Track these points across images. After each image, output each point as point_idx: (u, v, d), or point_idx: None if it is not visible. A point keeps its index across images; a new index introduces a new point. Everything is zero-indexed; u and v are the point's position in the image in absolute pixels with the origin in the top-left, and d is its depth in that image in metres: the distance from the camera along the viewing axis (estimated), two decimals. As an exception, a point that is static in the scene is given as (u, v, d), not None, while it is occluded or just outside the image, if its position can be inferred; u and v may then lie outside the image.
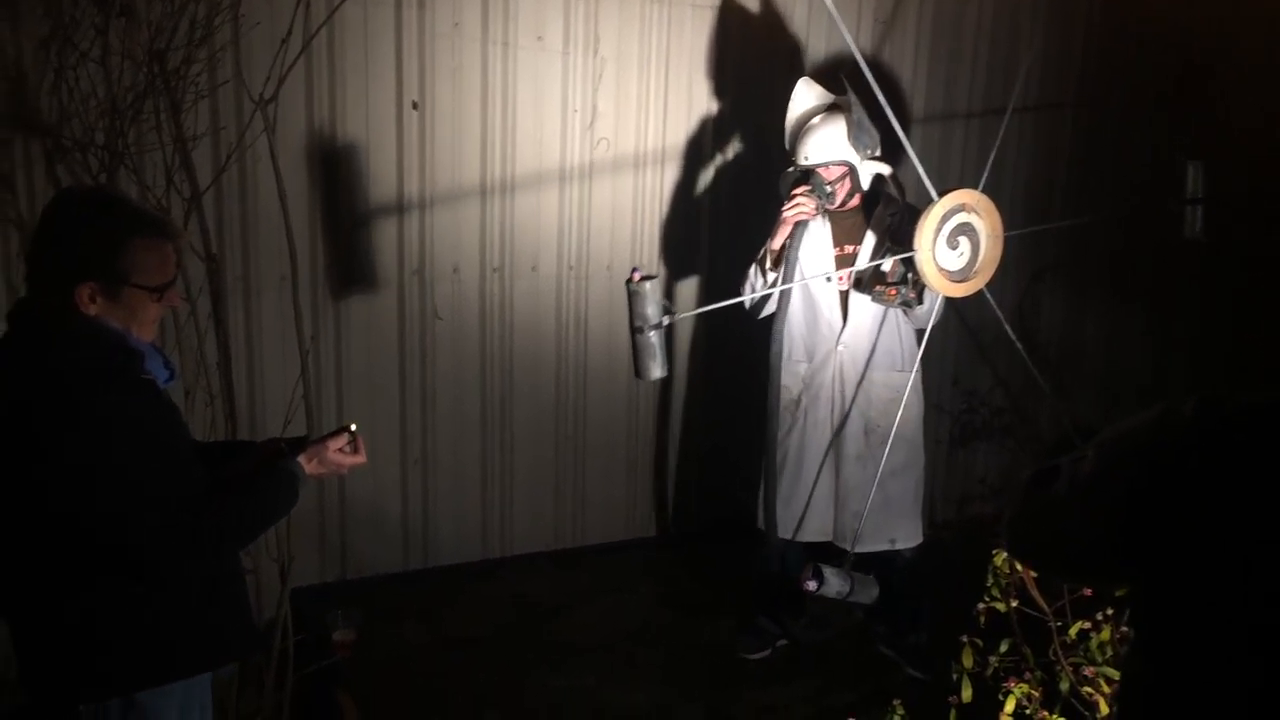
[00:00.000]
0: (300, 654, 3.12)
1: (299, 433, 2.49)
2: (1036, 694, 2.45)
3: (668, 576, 4.32)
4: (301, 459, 2.17)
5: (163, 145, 3.06)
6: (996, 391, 4.96)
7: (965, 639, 2.58)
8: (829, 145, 3.34)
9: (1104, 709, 2.41)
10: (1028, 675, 2.51)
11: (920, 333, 3.44)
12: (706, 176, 4.36)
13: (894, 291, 3.21)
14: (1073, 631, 2.49)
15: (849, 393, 3.47)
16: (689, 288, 4.44)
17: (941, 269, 2.93)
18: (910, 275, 3.19)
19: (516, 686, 3.54)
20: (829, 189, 3.35)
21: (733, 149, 4.37)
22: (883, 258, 3.28)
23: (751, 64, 4.30)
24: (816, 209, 3.35)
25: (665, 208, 4.29)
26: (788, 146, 3.47)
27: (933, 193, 2.91)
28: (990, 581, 2.56)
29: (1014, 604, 2.52)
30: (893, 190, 3.46)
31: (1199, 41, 4.97)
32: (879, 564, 3.62)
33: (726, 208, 4.36)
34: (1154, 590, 1.33)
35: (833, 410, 3.50)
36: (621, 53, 4.09)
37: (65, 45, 3.11)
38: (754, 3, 4.26)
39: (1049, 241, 4.90)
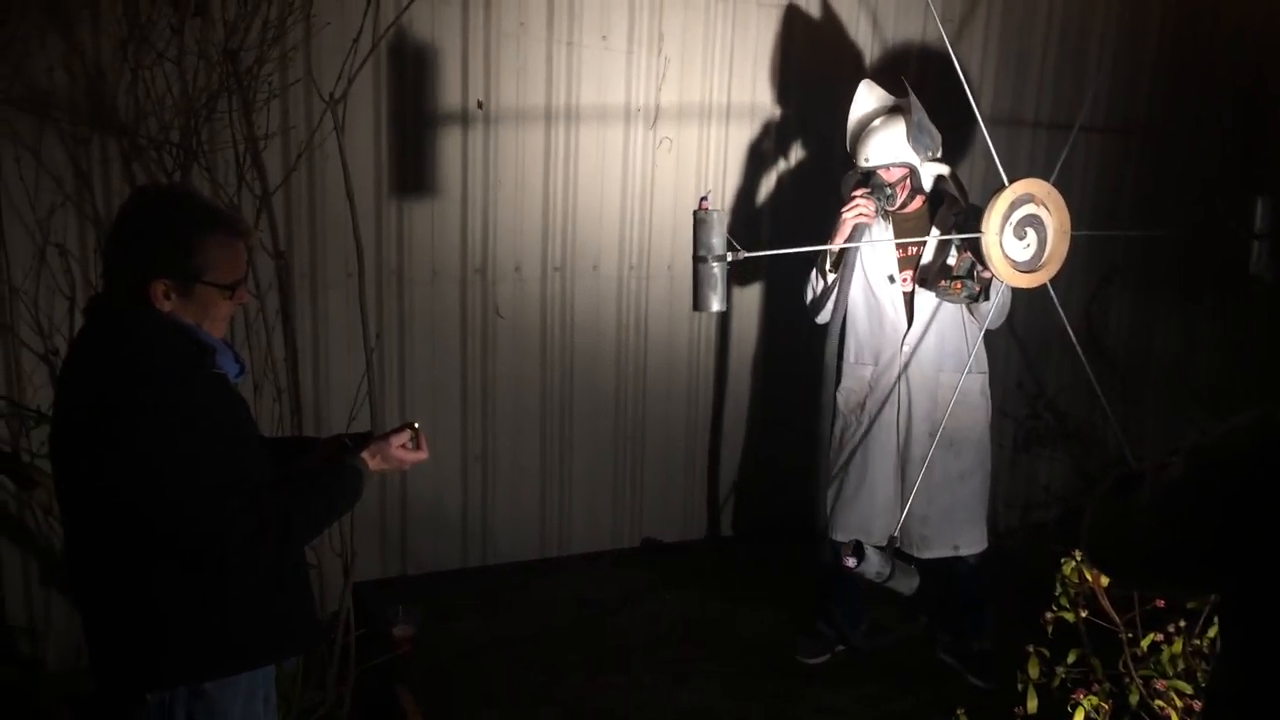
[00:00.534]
0: (361, 649, 3.15)
1: (363, 428, 2.52)
2: (1106, 706, 2.40)
3: (726, 577, 4.31)
4: (365, 455, 2.19)
5: (235, 144, 3.11)
6: (1062, 396, 4.87)
7: (1031, 648, 2.54)
8: (889, 147, 3.31)
9: (1176, 723, 2.36)
10: (1096, 687, 2.46)
11: (987, 333, 3.40)
12: (768, 178, 4.33)
13: (959, 285, 3.18)
14: (1144, 643, 2.44)
15: (915, 395, 3.43)
16: (751, 292, 4.42)
17: (1007, 257, 2.91)
18: (976, 270, 3.16)
19: (573, 684, 3.55)
20: (889, 190, 3.32)
21: (795, 150, 4.34)
22: (948, 250, 3.25)
23: (815, 65, 4.27)
24: (876, 211, 3.32)
25: (727, 209, 4.28)
26: (848, 148, 3.44)
27: (1004, 178, 2.88)
28: (1059, 591, 2.51)
29: (1084, 614, 2.47)
30: (953, 187, 3.42)
31: (1267, 69, 4.86)
32: (943, 570, 3.59)
33: (788, 209, 4.33)
34: (1251, 601, 1.30)
35: (898, 412, 3.46)
36: (685, 52, 4.08)
37: (142, 45, 3.18)
38: (818, 2, 4.23)
39: (1118, 244, 4.81)
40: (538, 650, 3.74)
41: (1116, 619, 2.46)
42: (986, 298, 3.20)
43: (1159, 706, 2.39)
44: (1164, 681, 2.40)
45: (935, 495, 3.42)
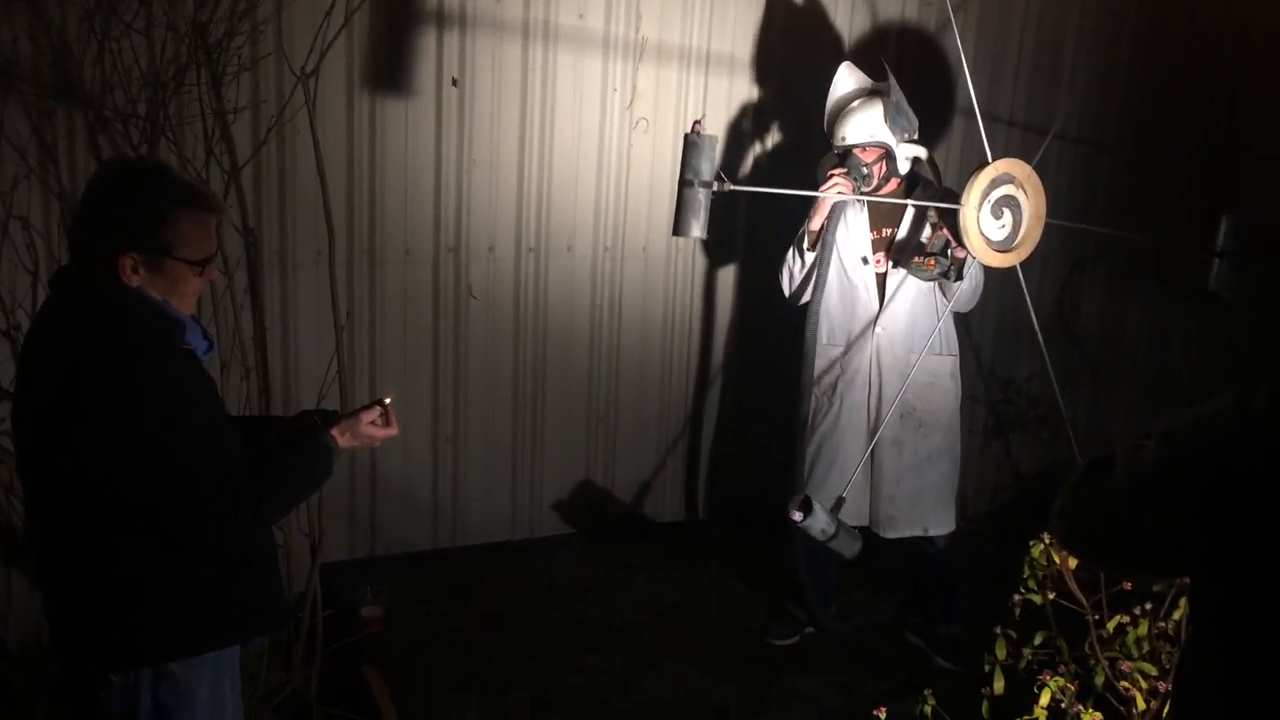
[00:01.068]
0: (329, 629, 3.13)
1: (332, 407, 2.49)
2: (1071, 688, 2.42)
3: (698, 560, 4.31)
4: (335, 431, 2.17)
5: (203, 118, 3.07)
6: (1034, 382, 4.90)
7: (999, 630, 2.55)
8: (866, 126, 3.32)
9: (1140, 704, 2.38)
10: (1062, 668, 2.48)
11: (959, 316, 3.41)
12: (745, 159, 4.32)
13: (933, 262, 3.19)
14: (1110, 625, 2.46)
15: (886, 376, 3.44)
16: (726, 273, 4.41)
17: (983, 233, 2.92)
18: (950, 248, 3.17)
19: (544, 667, 3.54)
20: (865, 170, 3.32)
21: (772, 131, 4.33)
22: (923, 229, 3.26)
23: (794, 45, 4.25)
24: (853, 189, 3.32)
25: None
26: (826, 129, 3.44)
27: (989, 154, 2.89)
28: (1027, 573, 2.52)
29: (1051, 596, 2.48)
30: (928, 171, 3.43)
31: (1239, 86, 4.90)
32: (911, 552, 3.61)
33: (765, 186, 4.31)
34: (1222, 584, 1.30)
35: (869, 394, 3.47)
36: (663, 31, 4.06)
37: (109, 16, 3.12)
38: (797, -16, 4.22)
39: (1091, 234, 4.83)
40: (508, 632, 3.73)
41: (1083, 601, 2.48)
42: (960, 277, 3.21)
43: (1124, 687, 2.41)
44: (1129, 663, 2.42)
45: (904, 476, 3.44)
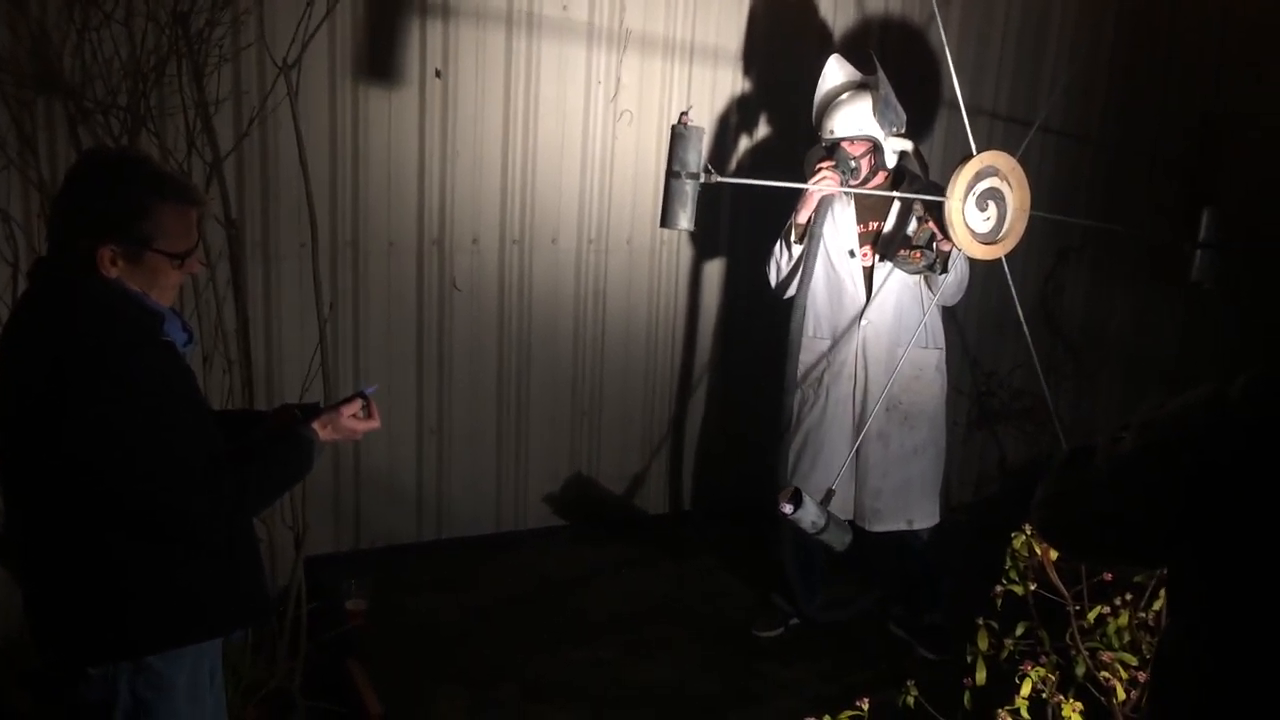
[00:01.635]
0: (313, 622, 3.13)
1: (315, 400, 2.49)
2: (1052, 678, 2.43)
3: (683, 553, 4.32)
4: (316, 425, 2.17)
5: (185, 109, 3.05)
6: (1017, 374, 4.92)
7: (980, 621, 2.57)
8: (855, 119, 3.32)
9: (1120, 694, 2.40)
10: (1043, 659, 2.49)
11: (944, 310, 3.42)
12: (731, 151, 4.32)
13: (919, 255, 3.19)
14: (1091, 616, 2.47)
15: (872, 369, 3.45)
16: (712, 266, 4.41)
17: (968, 226, 2.92)
18: (935, 241, 3.18)
19: (531, 660, 3.54)
20: (853, 163, 3.32)
21: (756, 124, 4.33)
22: (908, 221, 3.26)
23: (779, 37, 4.25)
24: (841, 183, 3.32)
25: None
26: (814, 122, 3.44)
27: (974, 147, 2.90)
28: (1009, 564, 2.53)
29: (1032, 587, 2.49)
30: (915, 165, 3.43)
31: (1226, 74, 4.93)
32: (896, 544, 3.62)
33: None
34: (1201, 575, 1.31)
35: (855, 387, 3.48)
36: (647, 24, 4.05)
37: (89, 6, 3.09)
38: (781, -24, 4.22)
39: (1075, 225, 4.85)
40: (494, 625, 3.73)
41: (1064, 592, 2.49)
42: (945, 270, 3.21)
43: (1104, 677, 2.43)
44: (1110, 653, 2.43)
45: (889, 469, 3.45)
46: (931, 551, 3.63)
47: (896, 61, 3.84)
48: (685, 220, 2.65)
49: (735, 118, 4.29)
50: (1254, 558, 1.25)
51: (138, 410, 1.87)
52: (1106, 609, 2.47)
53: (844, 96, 3.38)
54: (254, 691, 2.97)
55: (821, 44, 4.25)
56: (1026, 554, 2.51)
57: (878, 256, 3.40)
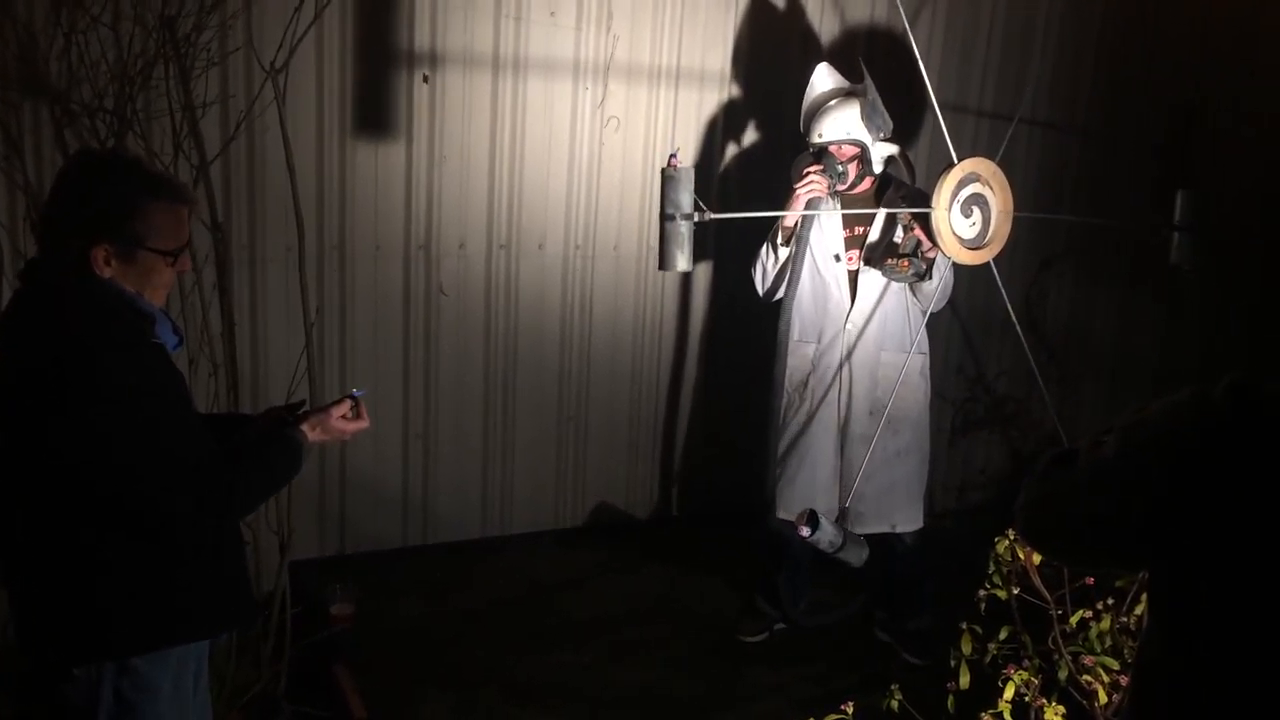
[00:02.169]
0: (298, 626, 3.12)
1: (298, 399, 2.48)
2: (1035, 681, 2.45)
3: (669, 557, 4.32)
4: (305, 426, 2.17)
5: (171, 112, 3.05)
6: (1000, 380, 4.95)
7: (964, 625, 2.58)
8: (843, 124, 3.34)
9: (1103, 698, 2.41)
10: (1026, 663, 2.51)
11: (929, 314, 3.43)
12: (718, 157, 4.34)
13: (906, 264, 3.21)
14: (1073, 620, 2.49)
15: (856, 373, 3.46)
16: (699, 270, 4.42)
17: (954, 233, 2.95)
18: (920, 248, 3.20)
19: (515, 663, 3.54)
20: (841, 168, 3.34)
21: (743, 131, 4.35)
22: (894, 229, 3.28)
23: (764, 45, 4.27)
24: (829, 187, 3.34)
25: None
26: (803, 128, 3.46)
27: (954, 156, 2.92)
28: (992, 568, 2.55)
29: (1015, 591, 2.51)
30: (902, 168, 3.46)
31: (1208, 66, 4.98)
32: (880, 548, 3.63)
33: (735, 190, 4.34)
34: (1181, 577, 1.32)
35: (839, 390, 3.50)
36: (634, 30, 4.07)
37: (76, 9, 3.09)
38: (768, -16, 4.24)
39: (1059, 229, 4.89)
40: (479, 629, 3.73)
41: (1047, 596, 2.50)
42: (930, 277, 3.24)
43: (1086, 681, 2.44)
44: (1092, 657, 2.45)
45: (873, 473, 3.46)
46: (915, 556, 3.65)
47: (882, 67, 3.86)
48: (683, 261, 2.68)
49: (722, 123, 4.31)
50: (1234, 561, 1.26)
51: (126, 411, 1.87)
52: (1089, 613, 2.49)
53: (833, 103, 3.40)
54: (239, 696, 2.96)
55: (806, 50, 4.27)
56: (1009, 558, 2.53)
57: (864, 262, 3.42)
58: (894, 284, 3.40)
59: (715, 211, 2.63)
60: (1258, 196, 5.08)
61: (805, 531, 2.88)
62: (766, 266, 3.51)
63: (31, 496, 1.94)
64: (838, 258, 3.44)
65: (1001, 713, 2.44)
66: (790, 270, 3.42)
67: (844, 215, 3.46)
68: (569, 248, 4.18)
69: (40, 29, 3.16)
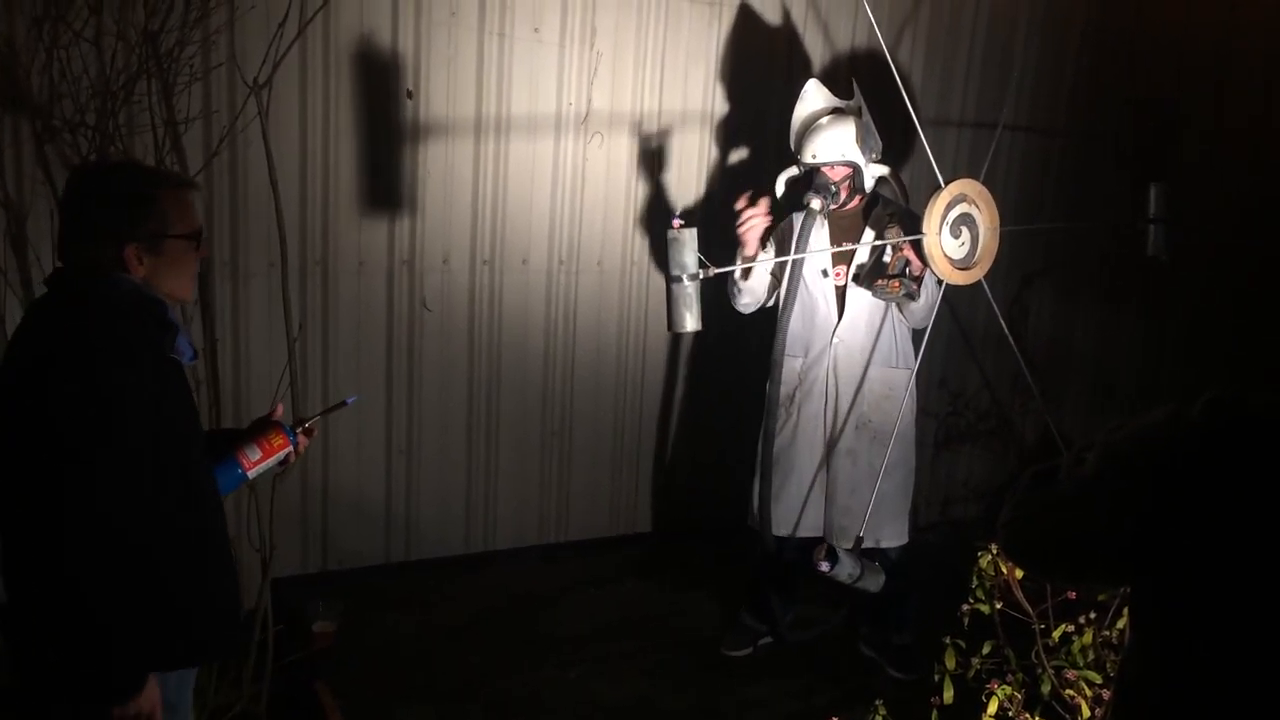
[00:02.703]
0: (280, 644, 3.10)
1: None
2: (1019, 696, 2.46)
3: (653, 572, 4.32)
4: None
5: (154, 128, 3.04)
6: (982, 394, 4.98)
7: (948, 640, 2.59)
8: (837, 145, 3.34)
9: (1085, 712, 2.42)
10: (1010, 677, 2.52)
11: (915, 331, 3.45)
12: (700, 174, 4.35)
13: (897, 284, 3.23)
14: (1056, 634, 2.50)
15: (843, 388, 3.48)
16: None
17: (946, 255, 2.97)
18: (908, 268, 3.22)
19: (499, 679, 3.53)
20: (833, 188, 3.35)
21: (726, 147, 4.37)
22: (883, 249, 3.29)
23: (747, 62, 4.30)
24: (822, 208, 3.32)
25: (658, 205, 4.29)
26: (793, 146, 3.47)
27: (940, 180, 2.95)
28: (975, 583, 2.56)
29: (998, 606, 2.52)
30: (895, 187, 3.47)
31: (1189, 63, 5.05)
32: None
33: (719, 206, 4.35)
34: (1163, 592, 1.33)
35: (826, 405, 3.51)
36: (618, 47, 4.08)
37: (58, 24, 3.08)
38: (751, 1, 4.26)
39: (1038, 245, 4.93)
40: (463, 646, 3.72)
41: (1030, 611, 2.52)
42: (919, 296, 3.26)
43: (1069, 695, 2.45)
44: (1074, 671, 2.46)
45: (858, 486, 3.47)
46: (899, 570, 3.65)
47: (866, 86, 3.89)
48: (691, 322, 2.72)
49: (705, 140, 4.32)
50: (1212, 577, 1.28)
51: (108, 425, 1.85)
52: (1071, 627, 2.51)
53: (824, 121, 3.40)
54: (220, 715, 2.93)
55: (790, 66, 4.30)
56: (992, 573, 2.54)
57: (852, 279, 3.43)
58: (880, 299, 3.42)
59: (697, 221, 2.66)
60: (1236, 207, 5.15)
61: (824, 566, 2.89)
62: (733, 294, 3.52)
63: (14, 500, 1.92)
64: (825, 273, 3.46)
65: (985, 727, 2.45)
66: (786, 289, 3.42)
67: (831, 231, 3.48)
68: (553, 262, 4.18)
69: (21, 44, 3.15)
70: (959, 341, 4.77)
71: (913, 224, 3.36)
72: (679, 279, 2.70)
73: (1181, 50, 5.07)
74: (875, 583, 3.04)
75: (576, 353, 4.31)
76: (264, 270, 3.62)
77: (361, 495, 4.01)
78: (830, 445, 3.51)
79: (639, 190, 4.26)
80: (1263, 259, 5.19)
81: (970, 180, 3.02)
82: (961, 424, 5.00)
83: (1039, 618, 2.51)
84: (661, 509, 4.63)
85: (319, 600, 3.65)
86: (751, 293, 3.50)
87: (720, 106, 4.31)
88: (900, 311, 3.43)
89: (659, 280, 4.38)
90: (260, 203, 3.44)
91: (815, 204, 3.29)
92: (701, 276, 2.71)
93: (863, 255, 3.43)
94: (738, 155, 4.37)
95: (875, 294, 3.32)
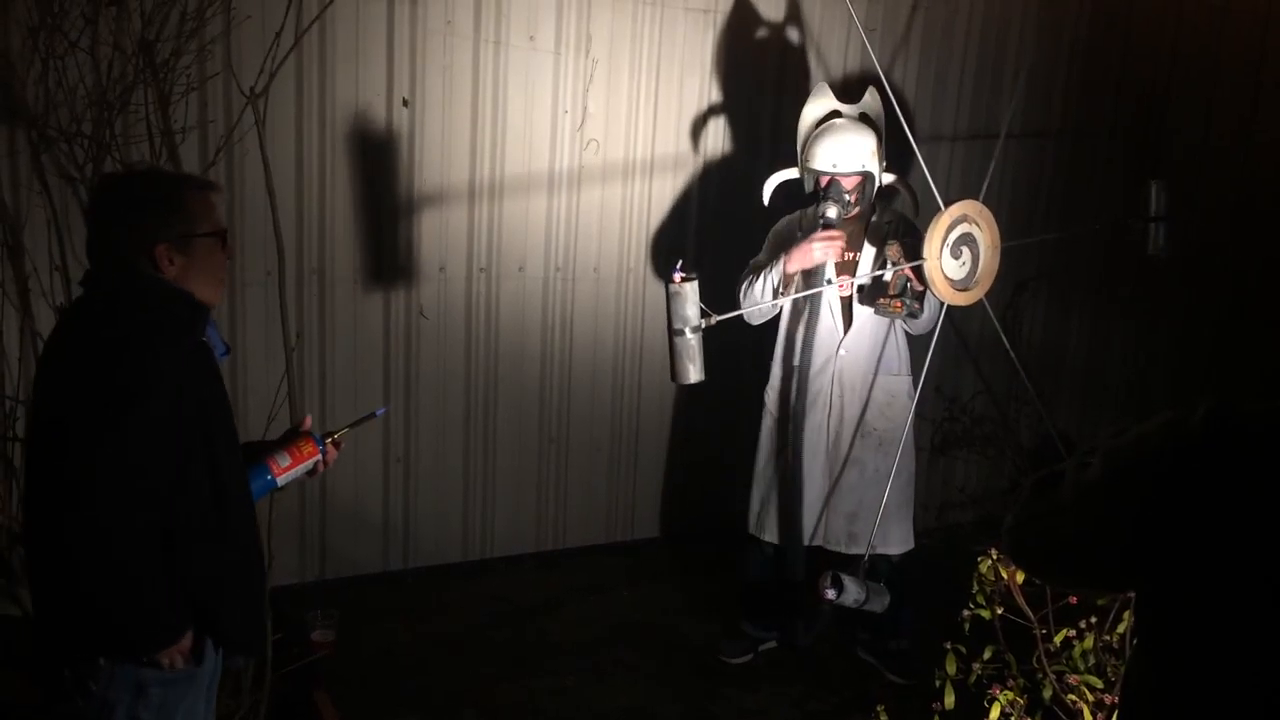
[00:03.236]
0: (279, 654, 3.08)
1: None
2: (1020, 701, 2.46)
3: (650, 579, 4.31)
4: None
5: (150, 137, 3.03)
6: (978, 399, 4.98)
7: (948, 645, 2.59)
8: (857, 156, 3.33)
9: (1087, 717, 2.43)
10: (1011, 683, 2.52)
11: (916, 337, 3.46)
12: (695, 180, 4.36)
13: (900, 304, 3.22)
14: (1057, 639, 2.51)
15: (847, 396, 3.48)
16: (675, 291, 4.43)
17: (947, 278, 2.97)
18: (910, 286, 3.22)
19: (496, 687, 3.52)
20: (848, 197, 3.34)
21: (722, 153, 4.38)
22: (884, 269, 3.28)
23: (742, 69, 4.30)
24: (837, 216, 3.27)
25: (653, 211, 4.29)
26: (800, 149, 3.46)
27: (940, 203, 2.95)
28: (975, 588, 2.56)
29: (999, 611, 2.52)
30: (905, 197, 3.48)
31: (1178, 68, 5.07)
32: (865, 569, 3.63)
33: (714, 212, 4.36)
34: (1164, 599, 1.34)
35: (829, 414, 3.51)
36: (613, 55, 4.09)
37: (54, 34, 3.07)
38: (746, 8, 4.27)
39: (1032, 253, 4.93)
40: (460, 653, 3.71)
41: (1031, 616, 2.52)
42: (922, 312, 3.27)
43: (1071, 700, 2.46)
44: (1076, 676, 2.46)
45: (864, 494, 3.47)
46: (898, 576, 3.65)
47: (857, 95, 3.90)
48: (695, 374, 2.71)
49: (700, 148, 4.33)
50: (1213, 584, 1.28)
51: (123, 419, 1.87)
52: (1073, 632, 2.51)
53: (840, 126, 3.39)
54: (218, 725, 2.92)
55: (783, 73, 4.31)
56: (992, 578, 2.54)
57: (856, 296, 3.43)
58: None
59: (687, 249, 2.65)
60: (1228, 210, 5.16)
61: (830, 594, 2.90)
62: (764, 310, 3.46)
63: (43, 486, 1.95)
64: (830, 281, 3.45)
65: (987, 733, 2.45)
66: (809, 309, 3.39)
67: None
68: (549, 270, 4.18)
69: (17, 54, 3.15)
70: (955, 348, 4.78)
71: (909, 230, 3.37)
72: (681, 332, 2.70)
73: (1174, 51, 5.09)
74: (880, 603, 3.05)
75: (573, 360, 4.31)
76: (261, 279, 3.62)
77: (359, 504, 4.01)
78: (833, 453, 3.51)
79: (635, 197, 4.26)
80: (1254, 259, 5.21)
81: (971, 201, 3.02)
82: (958, 429, 5.01)
83: (1040, 622, 2.51)
84: (659, 514, 4.63)
85: (317, 609, 3.64)
86: (776, 308, 3.49)
87: (715, 112, 4.32)
88: (903, 323, 3.44)
89: (655, 287, 4.38)
90: (257, 212, 3.43)
91: (832, 213, 3.28)
92: (704, 326, 2.71)
93: (866, 265, 3.43)
94: (733, 160, 4.37)
95: (878, 312, 3.32)
